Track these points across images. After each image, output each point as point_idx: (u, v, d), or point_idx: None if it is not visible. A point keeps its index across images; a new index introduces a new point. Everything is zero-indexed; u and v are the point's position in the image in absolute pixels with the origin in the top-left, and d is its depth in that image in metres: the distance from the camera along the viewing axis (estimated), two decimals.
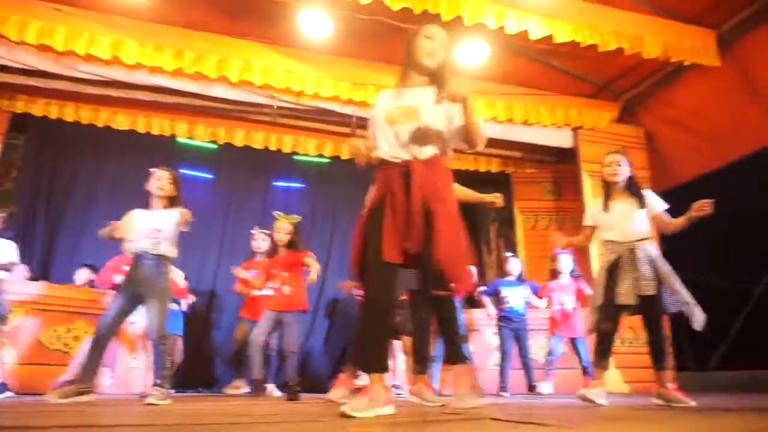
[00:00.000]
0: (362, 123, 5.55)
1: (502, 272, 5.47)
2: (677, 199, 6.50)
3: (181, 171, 6.92)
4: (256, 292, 4.63)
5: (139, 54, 4.70)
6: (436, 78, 2.20)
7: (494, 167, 7.04)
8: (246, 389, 4.69)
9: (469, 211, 8.54)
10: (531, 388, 4.99)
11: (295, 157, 6.78)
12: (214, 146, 6.53)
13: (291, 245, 4.14)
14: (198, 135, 6.15)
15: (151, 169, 3.36)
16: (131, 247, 3.19)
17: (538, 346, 5.46)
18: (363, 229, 2.12)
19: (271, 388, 4.54)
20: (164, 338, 3.04)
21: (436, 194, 2.05)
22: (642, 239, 3.03)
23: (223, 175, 6.89)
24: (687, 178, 6.49)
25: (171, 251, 3.25)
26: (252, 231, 5.11)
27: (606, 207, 3.13)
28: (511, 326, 5.04)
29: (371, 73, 5.43)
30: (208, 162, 6.90)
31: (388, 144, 2.13)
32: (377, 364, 1.93)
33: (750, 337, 5.17)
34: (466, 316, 5.28)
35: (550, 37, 4.67)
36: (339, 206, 6.91)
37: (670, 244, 6.37)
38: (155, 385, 2.90)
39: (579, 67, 5.97)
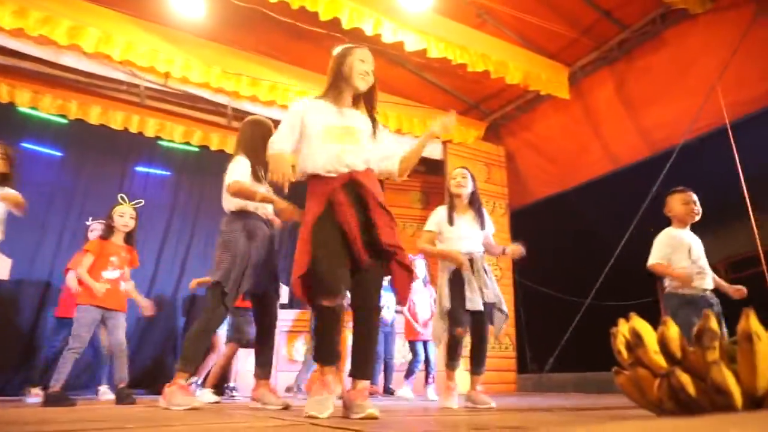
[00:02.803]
0: (238, 115, 5.35)
1: None
2: (530, 215, 7.15)
3: (23, 145, 6.19)
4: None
5: None
6: (365, 98, 2.33)
7: None
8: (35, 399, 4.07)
9: None
10: (388, 391, 5.07)
11: (160, 142, 6.34)
12: (65, 121, 5.88)
13: (131, 237, 3.84)
14: (44, 106, 5.46)
15: None
16: None
17: (404, 350, 5.60)
18: (309, 245, 2.08)
19: (104, 390, 4.27)
20: None
21: (374, 201, 2.14)
22: (478, 251, 3.19)
23: (74, 153, 6.24)
24: (540, 197, 7.13)
25: None
26: (87, 222, 4.64)
27: (451, 219, 3.21)
28: (386, 330, 5.12)
29: (245, 64, 5.24)
30: (56, 138, 6.20)
31: (327, 159, 2.15)
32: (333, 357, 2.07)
33: (579, 344, 5.75)
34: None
35: (424, 51, 4.85)
36: (204, 199, 6.60)
37: (523, 259, 6.97)
38: None
39: (452, 84, 6.28)
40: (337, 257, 2.05)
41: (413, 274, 2.22)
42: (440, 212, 3.28)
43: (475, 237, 3.20)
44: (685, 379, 0.90)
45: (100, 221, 4.36)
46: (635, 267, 3.42)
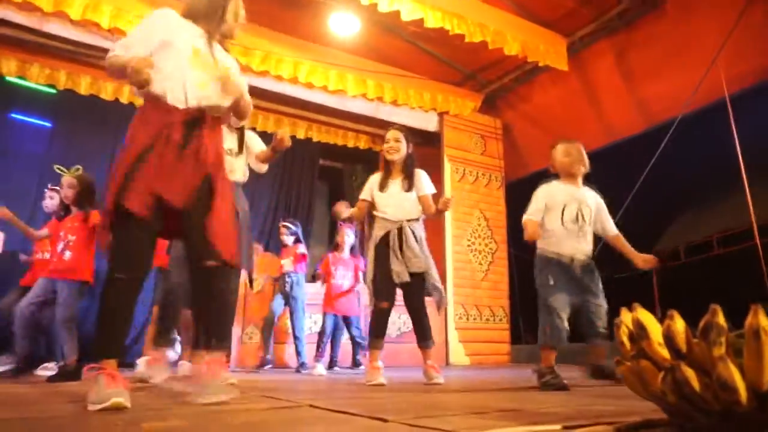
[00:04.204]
0: None
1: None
2: (526, 187, 7.12)
3: (12, 115, 6.08)
4: (38, 256, 4.09)
5: None
6: (226, 42, 2.13)
7: (362, 144, 7.08)
8: (4, 367, 3.83)
9: (336, 185, 8.54)
10: (333, 364, 4.97)
11: None
12: (53, 91, 5.76)
13: (80, 204, 3.58)
14: (32, 76, 5.34)
15: None
16: None
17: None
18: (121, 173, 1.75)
19: (50, 366, 3.96)
20: None
21: (218, 158, 1.93)
22: (412, 219, 3.04)
23: (64, 124, 6.13)
24: (536, 169, 7.09)
25: None
26: (45, 189, 4.42)
27: (383, 186, 3.07)
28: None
29: (240, 34, 5.09)
30: (45, 108, 6.09)
31: (182, 85, 1.87)
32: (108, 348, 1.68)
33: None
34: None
35: (421, 21, 4.73)
36: None
37: (518, 231, 6.98)
38: None
39: (448, 54, 6.16)
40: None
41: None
42: (373, 179, 3.14)
43: (406, 203, 3.04)
44: (690, 373, 0.89)
45: (56, 188, 4.14)
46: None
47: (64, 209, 3.71)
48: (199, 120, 1.89)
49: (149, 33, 1.90)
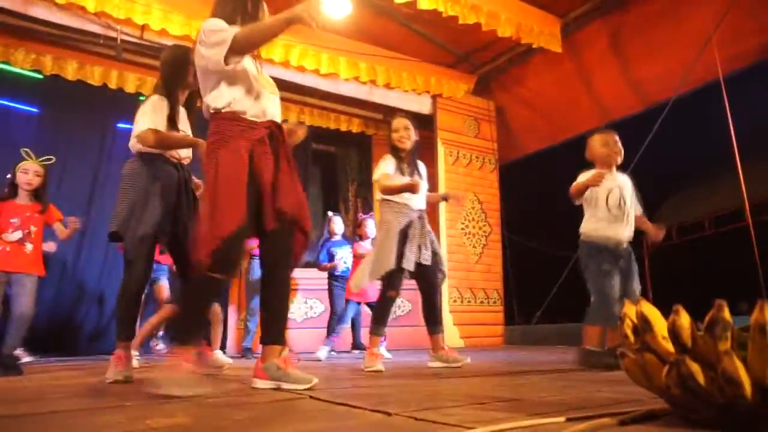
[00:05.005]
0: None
1: (330, 233, 5.23)
2: (520, 169, 7.13)
3: None
4: None
5: None
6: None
7: (355, 127, 7.03)
8: None
9: (329, 169, 8.50)
10: (359, 347, 5.01)
11: (142, 98, 6.12)
12: (40, 76, 5.65)
13: (38, 194, 3.48)
14: (17, 61, 5.23)
15: None
16: None
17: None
18: (238, 199, 1.83)
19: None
20: None
21: (289, 159, 2.06)
22: (424, 210, 3.10)
23: (51, 110, 6.02)
24: (530, 152, 7.10)
25: None
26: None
27: (402, 170, 3.05)
28: (343, 285, 4.89)
29: None
30: (31, 94, 5.97)
31: (252, 102, 1.99)
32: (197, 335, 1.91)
33: (564, 297, 5.88)
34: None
35: (414, 3, 4.66)
36: (192, 155, 6.44)
37: (511, 213, 7.01)
38: None
39: (441, 35, 6.09)
40: (249, 221, 1.88)
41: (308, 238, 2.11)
42: (390, 161, 3.07)
43: (423, 191, 3.06)
44: (695, 368, 0.89)
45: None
46: None
47: (12, 192, 3.45)
48: (275, 134, 2.00)
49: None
